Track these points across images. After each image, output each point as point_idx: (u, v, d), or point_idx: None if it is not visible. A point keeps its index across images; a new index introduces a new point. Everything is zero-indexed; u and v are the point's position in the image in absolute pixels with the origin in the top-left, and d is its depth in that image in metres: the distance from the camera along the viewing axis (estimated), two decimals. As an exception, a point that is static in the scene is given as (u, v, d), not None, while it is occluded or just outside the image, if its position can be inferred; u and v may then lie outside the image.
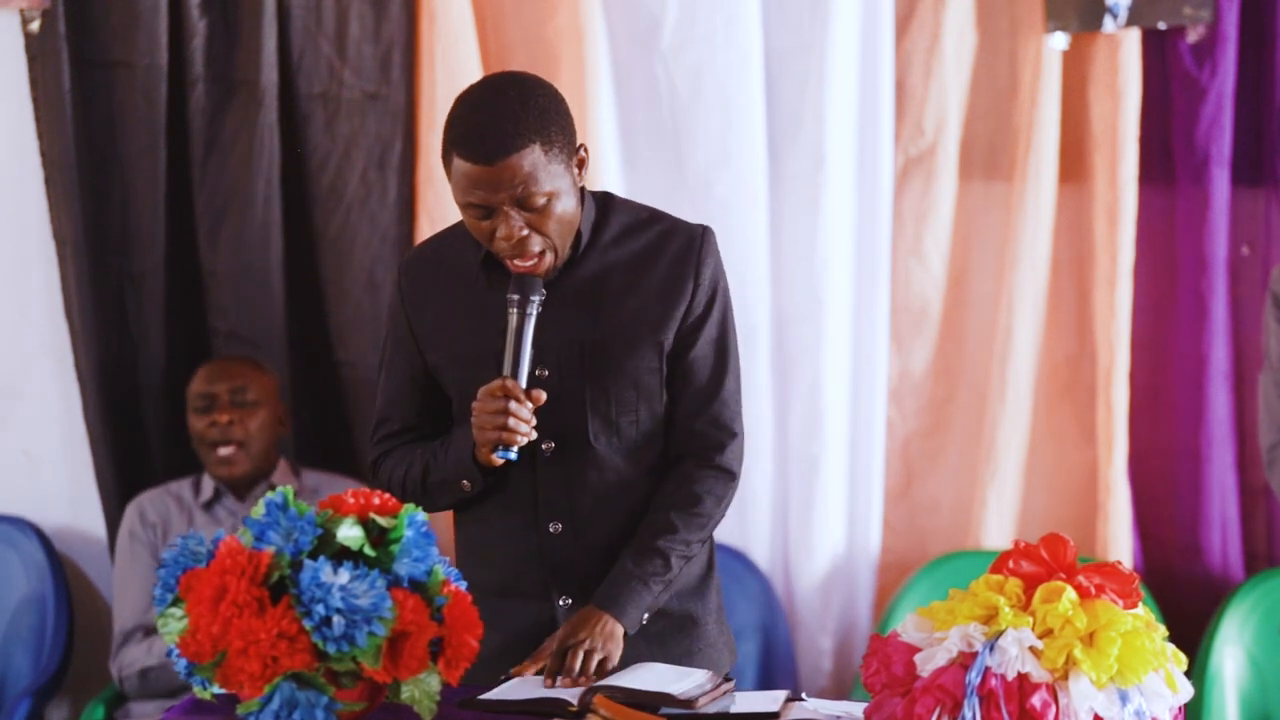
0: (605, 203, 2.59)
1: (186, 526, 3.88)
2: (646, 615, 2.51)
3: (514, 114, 2.40)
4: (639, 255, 2.55)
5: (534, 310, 2.46)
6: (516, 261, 2.46)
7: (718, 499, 2.57)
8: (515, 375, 2.45)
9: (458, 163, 2.41)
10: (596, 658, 2.41)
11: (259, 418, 3.92)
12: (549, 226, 2.45)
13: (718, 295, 2.57)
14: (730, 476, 2.59)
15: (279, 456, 3.98)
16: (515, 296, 2.46)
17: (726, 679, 2.39)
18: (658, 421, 2.56)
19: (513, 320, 2.46)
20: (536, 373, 2.49)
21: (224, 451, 3.89)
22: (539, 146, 2.40)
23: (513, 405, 2.42)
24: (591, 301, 2.53)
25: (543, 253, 2.46)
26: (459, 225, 2.59)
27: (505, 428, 2.42)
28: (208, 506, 3.93)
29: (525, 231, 2.43)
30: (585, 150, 2.50)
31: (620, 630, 2.47)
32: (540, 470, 2.54)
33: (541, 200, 2.42)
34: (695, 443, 2.57)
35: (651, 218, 2.59)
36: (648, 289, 2.54)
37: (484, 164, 2.39)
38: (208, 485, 3.94)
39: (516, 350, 2.45)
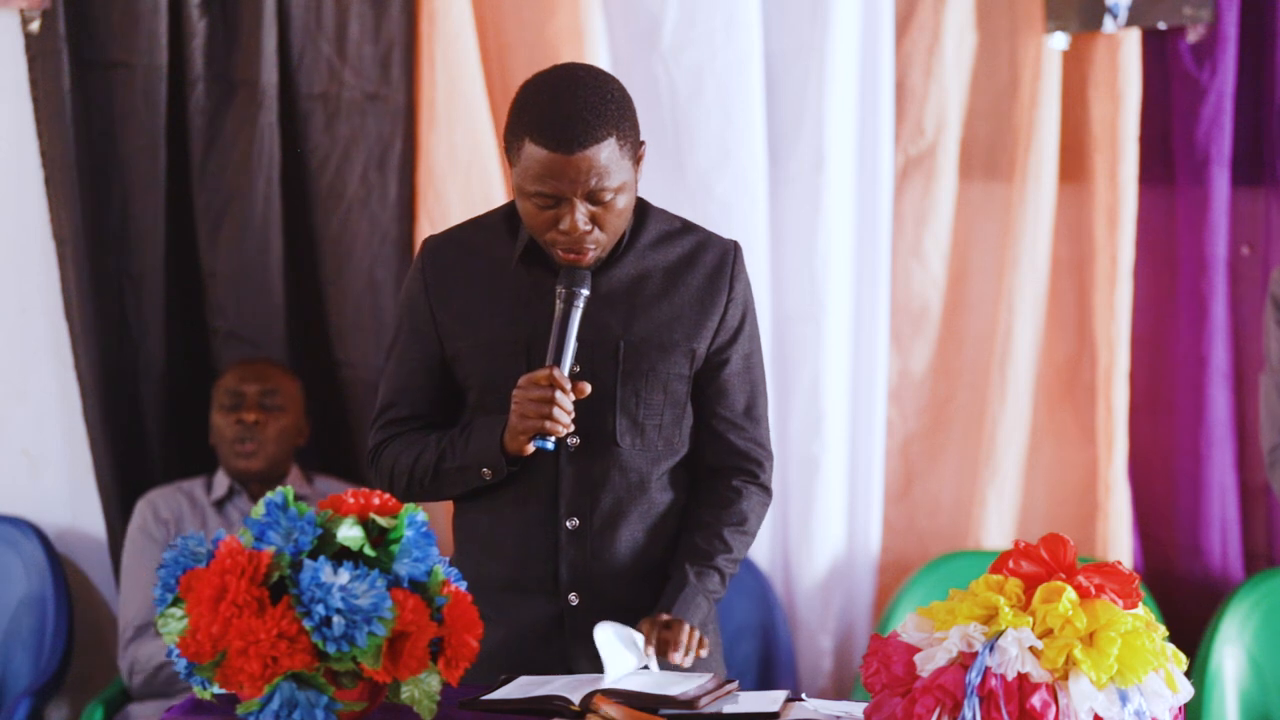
0: (642, 208, 2.59)
1: (200, 524, 3.89)
2: None
3: (594, 105, 2.40)
4: (676, 262, 2.56)
5: (581, 302, 2.45)
6: (569, 254, 2.46)
7: (759, 518, 2.61)
8: (558, 366, 2.44)
9: (531, 149, 2.40)
10: (694, 634, 2.43)
11: (282, 422, 3.94)
12: (610, 221, 2.45)
13: (748, 312, 2.59)
14: (770, 495, 2.63)
15: (292, 463, 3.99)
16: (563, 289, 2.46)
17: (729, 680, 2.39)
18: (678, 429, 2.57)
19: (559, 311, 2.45)
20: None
21: (245, 447, 3.89)
22: (615, 140, 2.41)
23: (558, 395, 2.42)
24: (628, 302, 2.53)
25: (593, 246, 2.46)
26: (484, 216, 2.60)
27: (549, 417, 2.42)
28: (220, 505, 3.94)
29: (589, 226, 2.43)
30: (644, 147, 2.50)
31: None
32: (564, 465, 2.53)
33: (610, 195, 2.42)
34: (739, 459, 2.60)
35: (685, 227, 2.60)
36: (684, 296, 2.55)
37: (563, 152, 2.38)
38: (220, 484, 3.95)
39: (560, 341, 2.45)
